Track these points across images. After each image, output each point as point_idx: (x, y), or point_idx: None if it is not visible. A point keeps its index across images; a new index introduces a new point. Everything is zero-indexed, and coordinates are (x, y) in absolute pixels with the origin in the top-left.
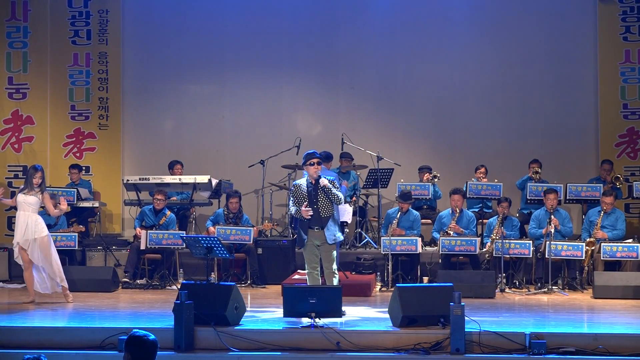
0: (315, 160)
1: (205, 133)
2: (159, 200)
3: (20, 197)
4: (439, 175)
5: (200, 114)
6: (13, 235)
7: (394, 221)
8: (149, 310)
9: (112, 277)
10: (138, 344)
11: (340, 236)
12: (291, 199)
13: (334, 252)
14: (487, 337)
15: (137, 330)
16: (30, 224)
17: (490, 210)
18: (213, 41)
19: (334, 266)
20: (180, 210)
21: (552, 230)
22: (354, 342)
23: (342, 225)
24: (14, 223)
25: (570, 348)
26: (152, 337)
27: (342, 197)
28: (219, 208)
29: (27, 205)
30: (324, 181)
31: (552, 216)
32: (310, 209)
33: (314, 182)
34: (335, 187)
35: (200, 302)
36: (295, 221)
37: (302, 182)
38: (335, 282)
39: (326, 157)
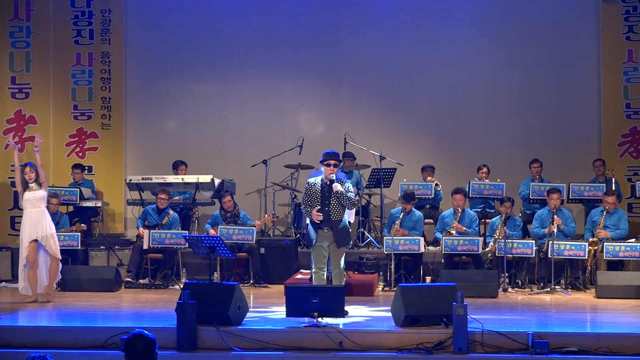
0: (332, 162)
1: (208, 133)
2: (162, 199)
3: (29, 195)
4: (440, 184)
5: (203, 113)
6: (16, 236)
7: (397, 221)
8: (151, 310)
9: (115, 276)
10: (129, 345)
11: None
12: (305, 196)
13: (343, 254)
14: (489, 336)
15: (136, 329)
16: (45, 219)
17: (493, 210)
18: (216, 41)
19: (342, 267)
20: (183, 210)
21: (555, 230)
22: (357, 342)
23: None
24: (18, 223)
25: (573, 348)
26: (145, 336)
27: (355, 202)
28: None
29: (38, 201)
30: (337, 187)
31: (555, 215)
32: (321, 214)
33: (328, 182)
34: (349, 192)
35: (202, 302)
36: (299, 220)
37: (317, 180)
38: (342, 282)
39: None
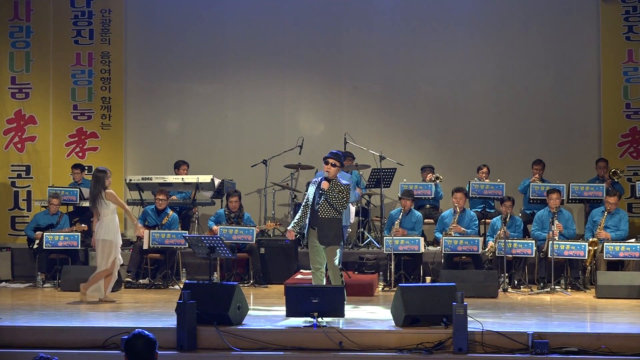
0: (330, 160)
1: (208, 133)
2: (161, 200)
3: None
4: (441, 177)
5: (203, 113)
6: (16, 235)
7: (396, 221)
8: (151, 310)
9: None
10: (130, 345)
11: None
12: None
13: (337, 253)
14: (489, 336)
15: (137, 329)
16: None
17: (493, 210)
18: (216, 41)
19: (337, 266)
20: (182, 209)
21: (557, 235)
22: (357, 342)
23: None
24: (18, 223)
25: (573, 348)
26: (145, 336)
27: (344, 204)
28: (221, 208)
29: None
30: (324, 184)
31: (556, 221)
32: (293, 231)
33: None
34: (340, 193)
35: (202, 302)
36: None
37: (318, 179)
38: (339, 282)
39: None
